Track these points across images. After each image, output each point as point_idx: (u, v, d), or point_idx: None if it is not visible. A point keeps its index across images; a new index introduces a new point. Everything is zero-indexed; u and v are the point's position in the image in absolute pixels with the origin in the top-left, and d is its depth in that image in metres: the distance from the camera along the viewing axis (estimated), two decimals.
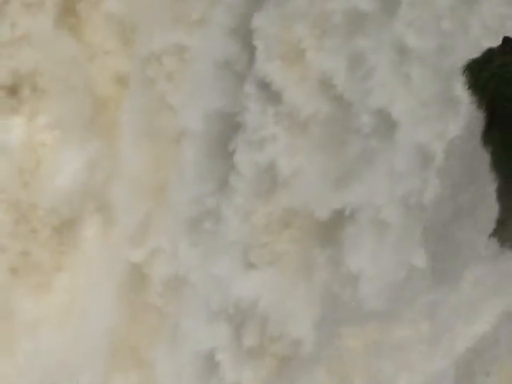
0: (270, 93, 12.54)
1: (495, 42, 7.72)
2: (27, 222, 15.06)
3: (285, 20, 12.43)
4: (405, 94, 10.70)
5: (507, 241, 6.98)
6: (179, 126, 13.91)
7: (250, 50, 12.99)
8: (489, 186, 7.31)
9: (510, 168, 7.06)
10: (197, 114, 13.51)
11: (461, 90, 7.92)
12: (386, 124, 10.93)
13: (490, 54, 7.50)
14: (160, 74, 14.28)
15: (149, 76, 14.38)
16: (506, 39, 7.48)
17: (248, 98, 12.77)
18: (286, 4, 12.39)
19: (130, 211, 14.42)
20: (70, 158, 15.17)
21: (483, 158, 7.29)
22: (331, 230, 11.88)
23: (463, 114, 8.85)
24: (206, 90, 13.46)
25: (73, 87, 15.24)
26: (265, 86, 12.59)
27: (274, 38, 12.50)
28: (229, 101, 13.23)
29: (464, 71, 7.45)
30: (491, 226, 7.14)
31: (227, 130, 13.24)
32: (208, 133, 13.50)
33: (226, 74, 13.31)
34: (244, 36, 13.05)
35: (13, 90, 15.36)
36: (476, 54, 7.47)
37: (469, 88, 7.33)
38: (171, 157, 14.05)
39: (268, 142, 12.56)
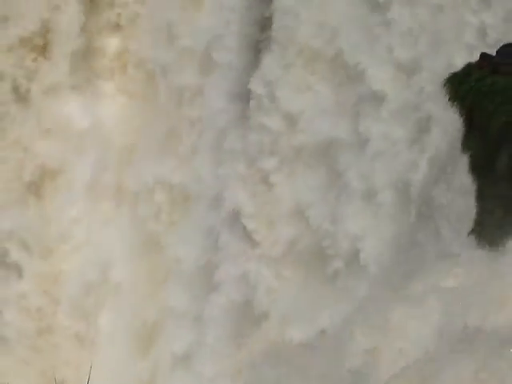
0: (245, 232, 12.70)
1: None
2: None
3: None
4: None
5: (484, 240, 7.67)
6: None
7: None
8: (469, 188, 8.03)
9: (487, 172, 7.75)
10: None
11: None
12: None
13: (468, 68, 8.20)
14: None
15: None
16: (482, 55, 8.19)
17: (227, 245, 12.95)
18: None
19: None
20: None
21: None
22: None
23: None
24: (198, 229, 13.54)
25: None
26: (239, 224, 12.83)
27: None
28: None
29: (445, 84, 8.16)
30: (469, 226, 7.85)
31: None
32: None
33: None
34: None
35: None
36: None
37: (449, 99, 8.03)
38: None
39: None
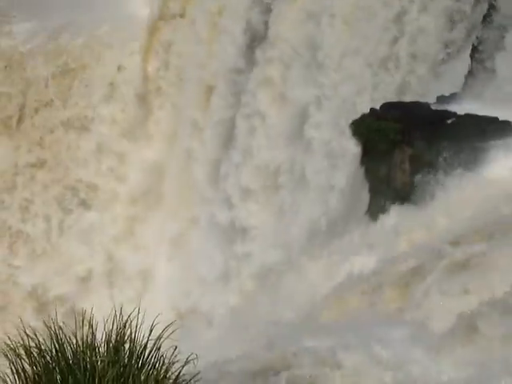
0: None
1: None
2: None
3: None
4: None
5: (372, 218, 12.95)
6: None
7: None
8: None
9: (375, 180, 13.05)
10: None
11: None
12: None
13: (371, 112, 13.55)
14: None
15: None
16: (383, 105, 13.53)
17: None
18: None
19: None
20: None
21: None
22: None
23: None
24: None
25: None
26: None
27: None
28: None
29: (351, 125, 13.54)
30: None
31: None
32: None
33: None
34: None
35: None
36: None
37: (353, 135, 13.37)
38: None
39: None
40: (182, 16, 19.65)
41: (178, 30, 19.51)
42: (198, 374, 4.20)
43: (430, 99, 13.19)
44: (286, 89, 16.63)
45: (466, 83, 13.24)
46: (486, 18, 13.22)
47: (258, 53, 17.42)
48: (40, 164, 20.07)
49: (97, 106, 19.92)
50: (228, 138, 17.69)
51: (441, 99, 13.12)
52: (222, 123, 17.88)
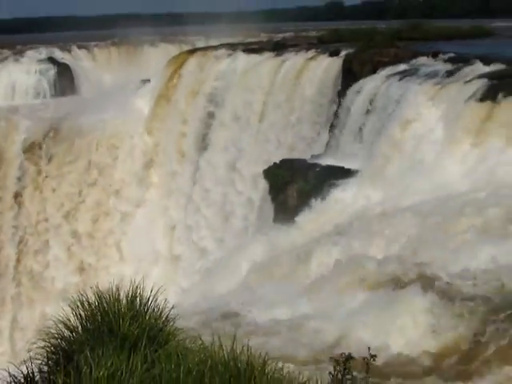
0: None
1: None
2: None
3: None
4: None
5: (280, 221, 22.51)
6: None
7: None
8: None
9: (277, 204, 22.64)
10: None
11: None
12: None
13: (274, 164, 23.28)
14: None
15: None
16: (281, 160, 23.30)
17: None
18: None
19: None
20: None
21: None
22: None
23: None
24: None
25: None
26: None
27: None
28: None
29: (263, 171, 23.22)
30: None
31: None
32: None
33: None
34: None
35: None
36: None
37: (264, 177, 23.04)
38: None
39: None
40: None
41: None
42: (172, 307, 5.86)
43: (307, 157, 23.13)
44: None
45: (326, 148, 23.13)
46: (336, 111, 23.29)
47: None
48: None
49: None
50: None
51: (313, 157, 22.98)
52: None
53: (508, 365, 8.88)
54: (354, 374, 5.02)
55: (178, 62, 32.49)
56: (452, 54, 22.80)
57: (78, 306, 5.58)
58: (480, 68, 20.23)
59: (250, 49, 31.33)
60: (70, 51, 42.42)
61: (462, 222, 13.84)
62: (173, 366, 4.80)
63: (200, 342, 5.43)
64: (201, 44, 39.09)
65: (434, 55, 23.16)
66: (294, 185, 21.95)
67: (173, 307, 5.76)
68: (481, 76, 19.19)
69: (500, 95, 17.51)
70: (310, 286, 14.06)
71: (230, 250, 22.66)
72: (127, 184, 30.14)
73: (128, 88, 33.53)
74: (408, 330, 10.35)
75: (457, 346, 9.67)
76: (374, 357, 4.95)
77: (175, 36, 47.24)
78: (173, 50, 38.91)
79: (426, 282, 11.29)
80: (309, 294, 13.13)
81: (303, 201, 21.01)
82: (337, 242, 16.23)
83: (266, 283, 15.14)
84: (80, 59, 41.88)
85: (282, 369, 5.06)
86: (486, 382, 8.75)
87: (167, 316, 5.72)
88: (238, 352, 5.04)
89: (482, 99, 17.82)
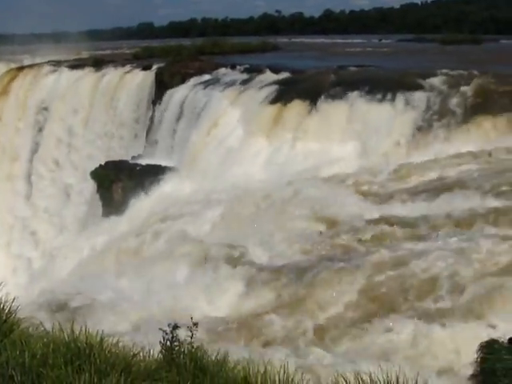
0: None
1: None
2: None
3: None
4: None
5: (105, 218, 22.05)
6: None
7: None
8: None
9: (105, 200, 22.14)
10: None
11: None
12: None
13: (100, 166, 22.69)
14: None
15: None
16: (106, 162, 22.74)
17: None
18: None
19: None
20: None
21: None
22: None
23: None
24: None
25: None
26: None
27: None
28: None
29: (90, 173, 22.55)
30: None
31: None
32: None
33: None
34: None
35: None
36: None
37: (92, 178, 22.40)
38: None
39: None
40: None
41: None
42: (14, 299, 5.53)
43: (129, 158, 22.82)
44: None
45: (144, 149, 22.99)
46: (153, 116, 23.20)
47: None
48: None
49: None
50: None
51: (133, 158, 22.72)
52: None
53: None
54: (181, 339, 5.12)
55: (8, 77, 31.41)
56: (247, 65, 23.60)
57: None
58: (270, 76, 21.16)
59: (73, 65, 30.73)
60: None
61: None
62: (18, 353, 4.64)
63: (42, 329, 5.25)
64: (28, 62, 36.90)
65: (233, 67, 23.88)
66: (119, 183, 21.60)
67: (14, 299, 5.47)
68: (271, 83, 20.10)
69: (287, 98, 18.46)
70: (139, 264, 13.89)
71: (64, 243, 21.95)
72: None
73: None
74: (223, 298, 10.53)
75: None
76: (196, 324, 5.09)
77: (3, 55, 44.22)
78: (1, 67, 36.40)
79: (234, 258, 11.54)
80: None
81: (129, 196, 20.78)
82: (160, 227, 16.21)
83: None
84: None
85: (117, 343, 5.04)
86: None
87: (10, 308, 5.43)
88: (77, 333, 4.94)
89: (273, 102, 18.69)
